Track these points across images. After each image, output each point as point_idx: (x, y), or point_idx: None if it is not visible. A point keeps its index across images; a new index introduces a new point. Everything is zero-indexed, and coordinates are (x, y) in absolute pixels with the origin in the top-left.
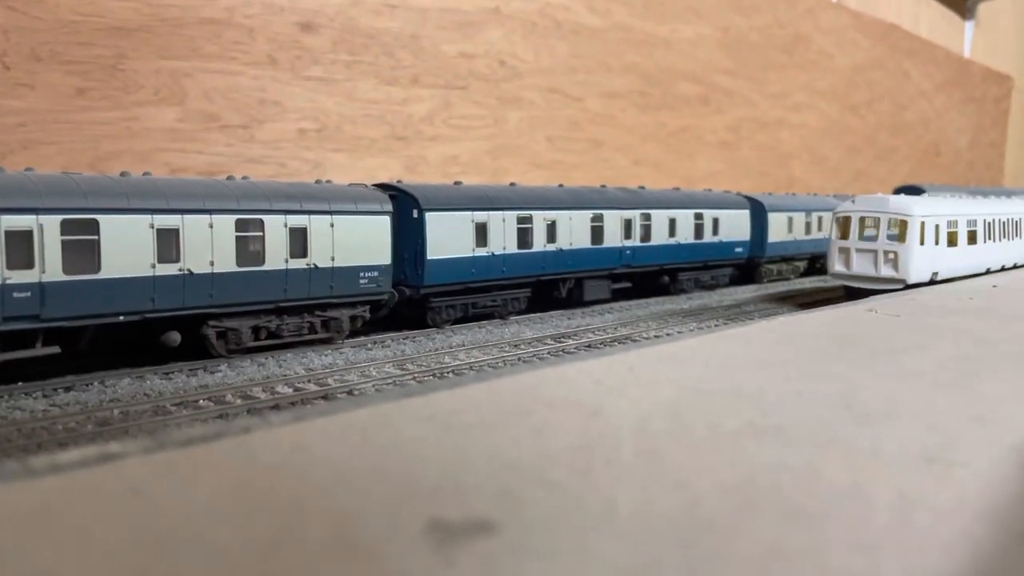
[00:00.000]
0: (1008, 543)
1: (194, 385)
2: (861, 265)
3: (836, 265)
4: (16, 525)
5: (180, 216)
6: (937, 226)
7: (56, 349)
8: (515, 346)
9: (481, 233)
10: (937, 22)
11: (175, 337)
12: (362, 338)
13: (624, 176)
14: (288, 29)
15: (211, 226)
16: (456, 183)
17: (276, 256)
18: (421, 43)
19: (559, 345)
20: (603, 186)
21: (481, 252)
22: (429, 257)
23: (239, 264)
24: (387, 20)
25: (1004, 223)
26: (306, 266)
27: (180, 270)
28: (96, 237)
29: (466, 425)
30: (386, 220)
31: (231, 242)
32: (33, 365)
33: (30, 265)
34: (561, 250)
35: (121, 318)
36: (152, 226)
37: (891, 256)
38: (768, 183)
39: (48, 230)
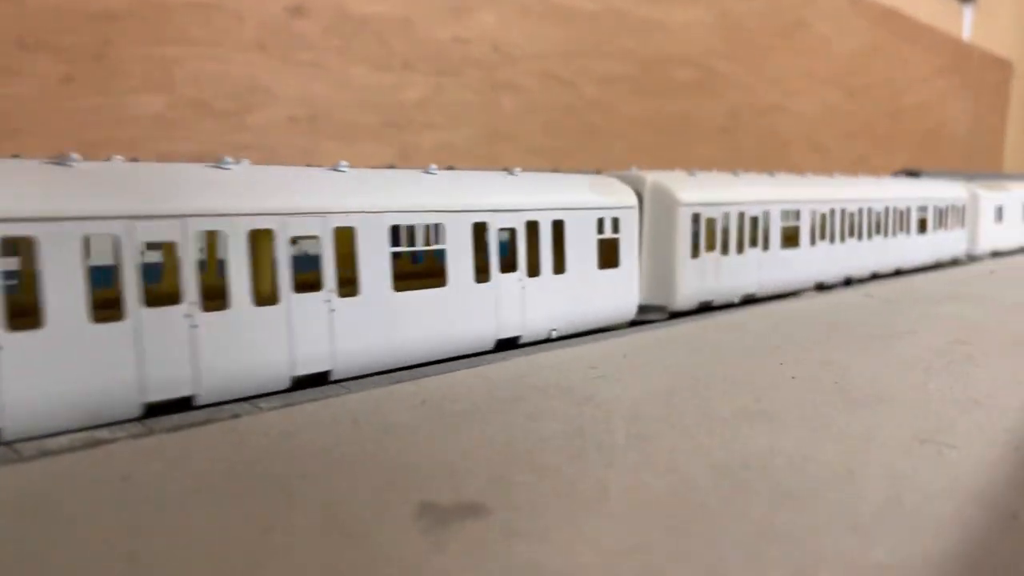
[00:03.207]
0: (1000, 524)
1: None
2: None
3: None
4: (5, 509)
5: None
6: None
7: None
8: None
9: None
10: (936, 7)
11: None
12: None
13: (621, 162)
14: (278, 14)
15: None
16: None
17: None
18: (414, 28)
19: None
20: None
21: None
22: None
23: None
24: (378, 4)
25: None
26: None
27: None
28: None
29: (458, 411)
30: None
31: None
32: None
33: (16, 253)
34: None
35: None
36: None
37: None
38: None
39: None
